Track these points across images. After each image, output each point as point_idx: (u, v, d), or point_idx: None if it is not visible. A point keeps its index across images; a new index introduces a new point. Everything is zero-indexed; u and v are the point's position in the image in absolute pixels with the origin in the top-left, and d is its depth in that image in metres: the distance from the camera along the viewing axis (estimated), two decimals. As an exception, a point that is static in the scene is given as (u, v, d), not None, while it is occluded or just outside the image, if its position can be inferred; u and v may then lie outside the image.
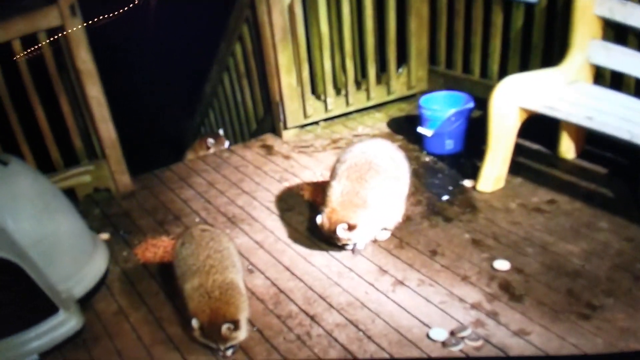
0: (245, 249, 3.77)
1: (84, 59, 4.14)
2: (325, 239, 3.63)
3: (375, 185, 3.54)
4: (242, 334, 2.98)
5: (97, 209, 4.39)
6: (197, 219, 4.13)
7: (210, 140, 5.48)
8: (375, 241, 3.66)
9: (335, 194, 3.55)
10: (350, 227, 3.46)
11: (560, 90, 3.85)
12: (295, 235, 3.84)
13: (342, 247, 3.61)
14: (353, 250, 3.61)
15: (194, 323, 2.94)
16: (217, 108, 6.42)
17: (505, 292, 3.18)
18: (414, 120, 4.74)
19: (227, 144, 5.51)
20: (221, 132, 5.73)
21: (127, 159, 4.52)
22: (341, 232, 3.47)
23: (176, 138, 5.98)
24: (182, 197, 4.45)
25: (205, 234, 3.31)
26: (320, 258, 3.61)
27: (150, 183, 4.69)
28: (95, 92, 4.23)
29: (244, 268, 3.52)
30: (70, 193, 4.24)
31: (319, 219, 3.56)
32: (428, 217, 3.85)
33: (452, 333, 2.95)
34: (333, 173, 3.69)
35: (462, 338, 2.91)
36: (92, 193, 4.49)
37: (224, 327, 2.89)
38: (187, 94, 6.85)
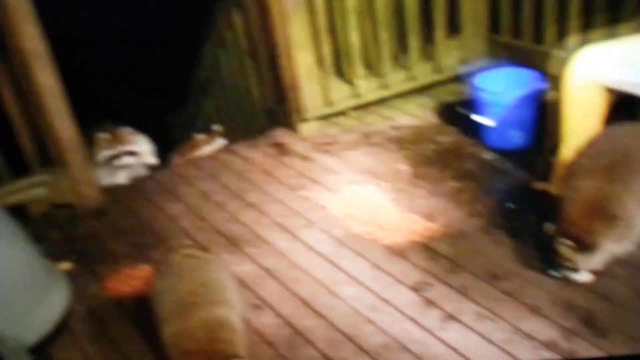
0: (250, 278, 3.82)
1: (31, 36, 4.17)
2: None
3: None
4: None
5: (56, 231, 4.47)
6: (186, 242, 4.11)
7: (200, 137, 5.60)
8: (417, 264, 3.74)
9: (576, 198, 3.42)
10: (584, 245, 3.32)
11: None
12: (316, 260, 3.89)
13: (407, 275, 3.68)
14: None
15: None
16: (213, 96, 6.52)
17: (586, 326, 3.21)
18: (468, 105, 4.77)
19: (221, 140, 5.60)
20: (216, 127, 5.83)
21: (94, 166, 4.63)
22: (567, 250, 3.35)
23: (160, 136, 6.05)
24: (169, 212, 4.52)
25: (189, 262, 3.34)
26: (348, 288, 3.65)
27: (125, 195, 4.78)
28: (46, 79, 4.28)
29: (248, 304, 3.58)
30: (19, 212, 4.31)
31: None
32: (488, 231, 3.89)
33: (519, 381, 3.00)
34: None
35: (532, 387, 2.96)
36: (50, 211, 4.57)
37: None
38: (175, 79, 6.94)
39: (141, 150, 5.40)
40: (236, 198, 4.57)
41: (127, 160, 5.28)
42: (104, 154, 5.26)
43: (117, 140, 5.39)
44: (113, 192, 4.83)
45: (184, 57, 6.64)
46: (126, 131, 5.42)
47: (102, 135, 5.34)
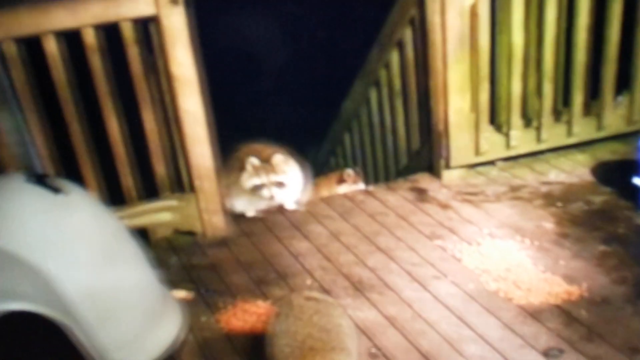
0: (370, 325, 3.73)
1: (181, 62, 4.27)
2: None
3: None
4: None
5: (174, 258, 4.50)
6: (309, 282, 4.14)
7: (350, 172, 5.51)
8: (552, 328, 3.56)
9: None
10: None
11: None
12: (443, 313, 3.77)
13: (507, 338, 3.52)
14: None
15: None
16: (356, 133, 6.49)
17: None
18: (630, 167, 4.58)
19: (362, 185, 5.52)
20: (357, 168, 5.77)
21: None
22: None
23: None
24: (293, 250, 4.49)
25: (310, 305, 3.28)
26: (474, 346, 3.51)
27: (250, 228, 4.78)
28: (191, 105, 4.37)
29: (366, 352, 3.49)
30: (141, 234, 4.33)
31: None
32: (634, 302, 3.69)
33: None
34: None
35: None
36: (171, 236, 4.62)
37: None
38: (317, 111, 6.97)
39: (291, 184, 5.10)
40: (366, 241, 4.50)
41: (274, 192, 4.96)
42: (251, 181, 4.95)
43: (268, 167, 4.97)
44: (239, 222, 4.84)
45: (332, 90, 6.67)
46: (279, 159, 4.95)
47: (253, 161, 4.93)
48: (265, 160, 4.94)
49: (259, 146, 5.09)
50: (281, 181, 4.95)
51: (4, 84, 4.52)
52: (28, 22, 4.02)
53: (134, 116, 4.45)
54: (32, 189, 3.32)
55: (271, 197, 4.95)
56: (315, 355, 3.02)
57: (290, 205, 5.04)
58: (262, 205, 5.03)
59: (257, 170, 4.92)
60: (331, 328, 3.17)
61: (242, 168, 4.92)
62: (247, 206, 5.01)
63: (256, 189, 4.93)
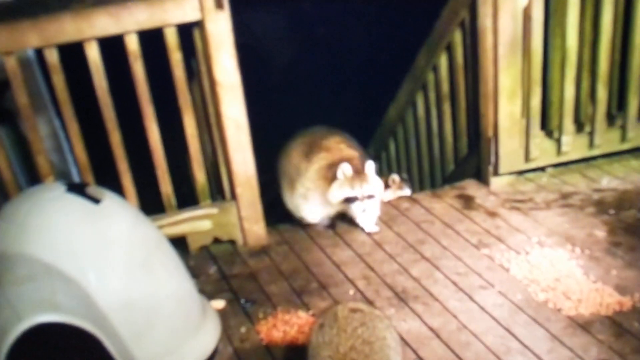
0: (413, 336, 3.73)
1: (225, 67, 4.30)
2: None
3: None
4: None
5: (213, 267, 4.51)
6: (352, 291, 4.14)
7: (395, 178, 5.44)
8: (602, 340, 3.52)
9: None
10: None
11: None
12: (489, 324, 3.76)
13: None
14: None
15: None
16: (401, 138, 6.47)
17: None
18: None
19: (408, 191, 5.49)
20: (404, 175, 5.72)
21: (264, 203, 4.64)
22: None
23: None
24: (335, 259, 4.49)
25: (355, 316, 3.26)
26: (520, 359, 3.50)
27: (292, 237, 4.78)
28: (234, 112, 4.40)
29: (408, 364, 3.48)
30: (180, 243, 4.38)
31: None
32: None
33: None
34: None
35: None
36: (210, 245, 4.63)
37: None
38: (362, 116, 6.97)
39: (378, 197, 4.77)
40: (410, 250, 4.48)
41: (367, 207, 4.63)
42: (343, 193, 4.59)
43: (363, 177, 4.60)
44: (280, 231, 4.84)
45: (377, 96, 6.67)
46: (372, 167, 4.63)
47: (347, 169, 4.54)
48: (352, 164, 4.59)
49: (324, 138, 4.87)
50: (372, 194, 4.64)
51: (42, 90, 4.58)
52: (71, 29, 4.03)
53: (174, 123, 4.47)
54: (73, 199, 3.35)
55: (363, 212, 4.67)
56: None
57: (371, 226, 4.77)
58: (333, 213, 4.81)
59: (351, 181, 4.58)
60: (375, 341, 3.15)
61: (324, 176, 4.67)
62: (322, 216, 4.85)
63: (346, 202, 4.64)
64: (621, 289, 3.87)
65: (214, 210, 4.58)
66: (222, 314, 3.99)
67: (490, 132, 4.94)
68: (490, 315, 3.82)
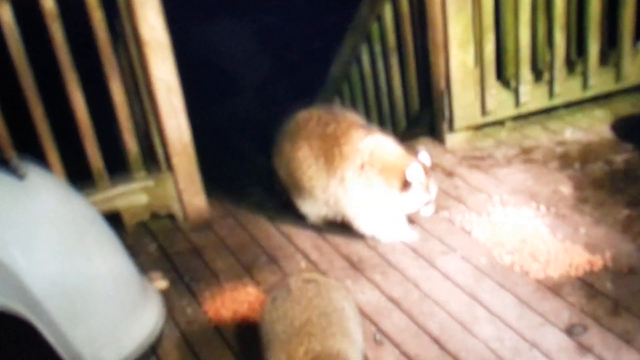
0: (373, 308, 3.78)
1: (152, 25, 4.27)
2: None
3: None
4: None
5: (153, 244, 4.53)
6: (303, 263, 4.18)
7: None
8: (574, 302, 3.62)
9: None
10: None
11: None
12: (453, 292, 3.83)
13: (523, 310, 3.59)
14: None
15: None
16: (347, 96, 6.46)
17: None
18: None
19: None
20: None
21: (204, 173, 4.65)
22: None
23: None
24: (284, 229, 4.52)
25: (309, 287, 3.31)
26: (488, 327, 3.57)
27: (236, 208, 4.80)
28: (164, 74, 4.38)
29: (369, 338, 3.54)
30: (115, 219, 4.37)
31: None
32: (662, 271, 3.76)
33: None
34: None
35: None
36: (148, 221, 4.64)
37: None
38: (304, 75, 6.99)
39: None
40: (365, 216, 4.52)
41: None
42: (422, 200, 4.17)
43: (428, 176, 4.19)
44: (222, 203, 4.85)
45: (317, 51, 6.69)
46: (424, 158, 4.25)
47: (420, 171, 4.10)
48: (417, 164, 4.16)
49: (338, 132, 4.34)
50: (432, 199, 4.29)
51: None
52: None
53: (101, 88, 4.44)
54: (-7, 174, 3.34)
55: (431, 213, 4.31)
56: (314, 342, 3.02)
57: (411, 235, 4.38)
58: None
59: (425, 184, 4.16)
60: (332, 312, 3.20)
61: (387, 183, 4.16)
62: (383, 227, 4.35)
63: (423, 206, 4.25)
64: (591, 248, 3.95)
65: (149, 183, 4.59)
66: (166, 294, 4.01)
67: (442, 85, 4.99)
68: (453, 282, 3.89)
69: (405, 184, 4.10)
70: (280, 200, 4.68)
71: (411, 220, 4.37)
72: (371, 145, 4.23)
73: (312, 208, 4.42)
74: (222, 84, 8.11)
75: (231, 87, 8.08)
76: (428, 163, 4.24)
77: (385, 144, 4.28)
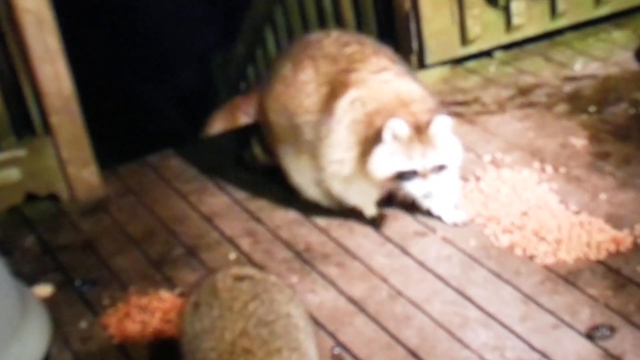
0: (328, 313, 3.79)
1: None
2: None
3: None
4: None
5: (30, 237, 4.50)
6: (233, 255, 4.18)
7: None
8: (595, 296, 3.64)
9: None
10: None
11: None
12: (435, 286, 3.85)
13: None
14: None
15: None
16: (281, 29, 6.52)
17: None
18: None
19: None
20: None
21: (95, 139, 4.66)
22: None
23: (194, 92, 6.09)
24: (204, 209, 4.53)
25: (242, 287, 3.30)
26: (482, 332, 3.59)
27: (139, 182, 4.81)
28: (32, 2, 4.33)
29: (328, 353, 3.56)
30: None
31: None
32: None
33: None
34: None
35: None
36: (23, 204, 4.62)
37: None
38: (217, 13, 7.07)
39: (453, 168, 4.20)
40: (310, 187, 4.53)
41: (434, 186, 4.03)
42: (395, 166, 3.99)
43: (424, 139, 4.02)
44: (119, 176, 4.85)
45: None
46: (444, 122, 4.04)
47: (400, 127, 3.95)
48: (408, 116, 4.01)
49: (346, 57, 4.27)
50: (443, 164, 4.06)
51: None
52: None
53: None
54: None
55: (427, 195, 4.12)
56: (251, 359, 3.03)
57: (450, 215, 4.27)
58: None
59: (407, 145, 4.00)
60: (275, 320, 3.20)
61: (363, 137, 4.09)
62: (366, 198, 4.35)
63: (399, 179, 4.06)
64: (615, 221, 3.97)
65: (21, 153, 4.54)
66: (51, 304, 3.97)
67: (407, 5, 5.02)
68: (434, 273, 3.90)
69: (377, 137, 3.97)
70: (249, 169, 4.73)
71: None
72: (381, 81, 4.13)
73: (304, 170, 4.30)
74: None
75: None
76: (440, 128, 4.00)
77: (403, 87, 4.15)
